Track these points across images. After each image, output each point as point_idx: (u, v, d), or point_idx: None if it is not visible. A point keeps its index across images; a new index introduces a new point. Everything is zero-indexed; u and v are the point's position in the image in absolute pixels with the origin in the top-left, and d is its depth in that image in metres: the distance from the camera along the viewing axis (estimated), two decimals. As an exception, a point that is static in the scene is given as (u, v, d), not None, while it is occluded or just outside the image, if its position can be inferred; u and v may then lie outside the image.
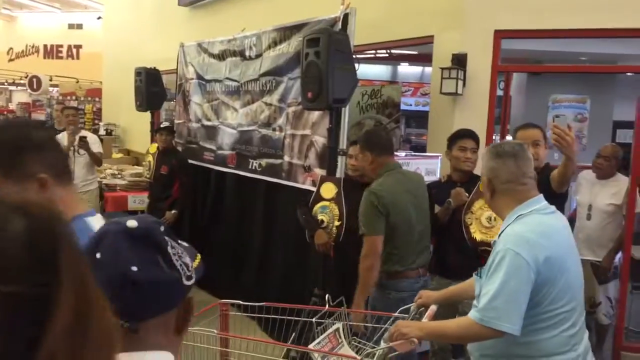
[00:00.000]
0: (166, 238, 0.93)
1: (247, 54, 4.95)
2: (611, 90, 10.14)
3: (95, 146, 5.74)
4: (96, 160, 5.79)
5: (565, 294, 1.91)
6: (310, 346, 2.18)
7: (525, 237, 1.90)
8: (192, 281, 0.94)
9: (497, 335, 1.86)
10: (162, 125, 5.66)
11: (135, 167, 7.86)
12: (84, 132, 5.91)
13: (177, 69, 6.27)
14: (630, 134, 9.74)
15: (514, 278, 1.84)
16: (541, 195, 2.07)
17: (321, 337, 2.32)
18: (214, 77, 5.44)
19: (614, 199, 4.27)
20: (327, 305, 2.28)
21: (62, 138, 5.65)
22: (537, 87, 10.00)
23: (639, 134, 4.16)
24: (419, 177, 3.37)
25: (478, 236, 3.08)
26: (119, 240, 0.88)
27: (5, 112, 11.52)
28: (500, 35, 4.23)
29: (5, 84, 14.67)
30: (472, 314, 1.89)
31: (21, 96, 13.31)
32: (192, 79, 5.85)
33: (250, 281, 4.77)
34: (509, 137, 6.96)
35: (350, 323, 2.38)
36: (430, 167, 4.26)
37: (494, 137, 4.58)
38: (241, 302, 2.43)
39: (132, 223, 0.90)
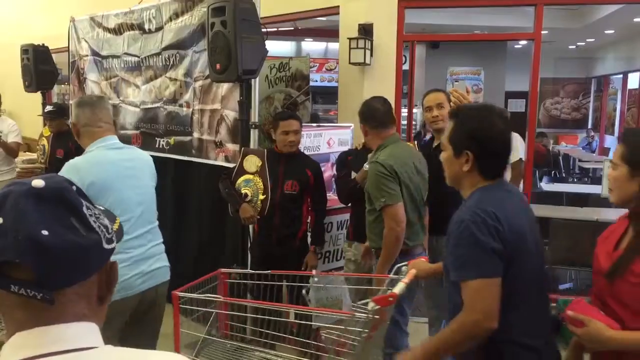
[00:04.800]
0: (80, 198, 0.83)
1: (146, 27, 4.69)
2: (502, 62, 10.75)
3: (12, 135, 5.28)
4: (8, 151, 5.33)
5: (116, 209, 2.35)
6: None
7: (77, 165, 2.45)
8: (113, 245, 0.86)
9: None
10: (46, 110, 5.25)
11: (27, 153, 7.28)
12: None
13: (68, 45, 5.83)
14: (521, 103, 10.40)
15: None
16: (113, 136, 2.58)
17: None
18: (111, 52, 5.11)
19: None
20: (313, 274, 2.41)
21: None
22: (435, 60, 10.38)
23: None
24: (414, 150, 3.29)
25: None
26: (23, 202, 0.77)
27: None
28: (403, 4, 4.31)
29: None
30: None
31: None
32: (87, 55, 5.47)
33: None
34: (416, 110, 7.16)
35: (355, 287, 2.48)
36: (343, 137, 4.29)
37: (402, 107, 4.69)
38: (240, 270, 2.59)
39: (38, 182, 0.80)
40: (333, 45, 10.16)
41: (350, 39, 4.19)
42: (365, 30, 4.24)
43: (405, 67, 4.70)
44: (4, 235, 0.75)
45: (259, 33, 3.50)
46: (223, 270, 2.52)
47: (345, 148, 4.21)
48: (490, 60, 10.61)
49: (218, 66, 3.44)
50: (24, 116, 8.70)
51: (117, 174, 2.49)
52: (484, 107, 1.90)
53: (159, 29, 4.54)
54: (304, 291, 2.25)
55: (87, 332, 0.82)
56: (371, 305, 1.82)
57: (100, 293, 0.86)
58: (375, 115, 2.98)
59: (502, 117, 1.80)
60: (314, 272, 2.49)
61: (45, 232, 0.75)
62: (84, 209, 0.82)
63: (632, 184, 1.66)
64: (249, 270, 2.61)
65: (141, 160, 2.70)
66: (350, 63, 4.24)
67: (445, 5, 4.65)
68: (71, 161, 2.51)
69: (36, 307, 0.78)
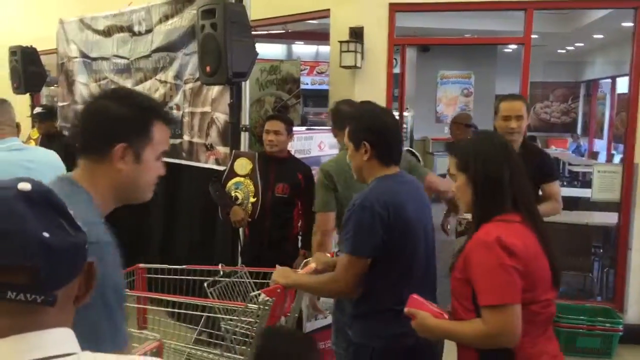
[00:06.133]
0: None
1: (136, 29, 4.66)
2: (493, 66, 10.80)
3: None
4: None
5: None
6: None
7: None
8: (87, 244, 0.84)
9: None
10: (35, 112, 5.21)
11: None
12: None
13: (57, 47, 5.79)
14: (511, 106, 10.41)
15: None
16: (14, 137, 2.64)
17: None
18: (101, 54, 5.08)
19: None
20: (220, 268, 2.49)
21: None
22: (426, 64, 10.43)
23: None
24: None
25: None
26: (18, 206, 0.75)
27: None
28: (394, 8, 4.31)
29: None
30: None
31: None
32: (76, 57, 5.43)
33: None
34: (407, 113, 7.11)
35: (255, 281, 2.55)
36: (333, 140, 4.27)
37: (393, 111, 4.69)
38: (159, 266, 2.60)
39: (25, 185, 0.78)
40: (324, 48, 10.16)
41: (340, 42, 4.19)
42: (356, 34, 4.24)
43: (397, 70, 4.71)
44: (4, 241, 0.73)
45: (249, 36, 3.49)
46: (141, 265, 2.58)
47: (336, 151, 4.20)
48: (480, 63, 10.67)
49: (208, 69, 3.42)
50: (12, 118, 8.59)
51: (14, 173, 2.44)
52: (369, 106, 2.28)
53: (149, 31, 4.52)
54: (205, 284, 2.34)
55: (65, 337, 0.81)
56: (261, 297, 1.99)
57: (79, 293, 0.84)
58: (338, 118, 3.07)
59: (388, 112, 2.15)
60: (220, 266, 2.53)
61: (46, 234, 0.75)
62: (69, 209, 0.82)
63: (469, 189, 1.78)
64: (166, 265, 2.64)
65: (42, 160, 2.70)
66: (341, 66, 4.24)
67: (436, 9, 4.66)
68: None
69: (18, 313, 0.76)
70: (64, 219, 0.80)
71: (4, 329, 0.76)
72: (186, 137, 4.27)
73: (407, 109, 8.96)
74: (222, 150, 3.94)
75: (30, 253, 0.74)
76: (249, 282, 2.48)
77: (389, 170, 2.04)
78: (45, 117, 5.04)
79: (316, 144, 4.24)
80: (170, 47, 4.32)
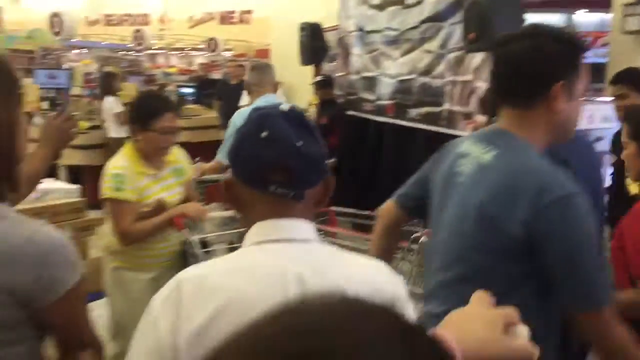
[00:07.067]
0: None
1: (407, 1, 4.89)
2: None
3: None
4: None
5: None
6: None
7: (244, 112, 3.15)
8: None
9: None
10: (315, 80, 5.88)
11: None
12: None
13: (337, 24, 6.40)
14: None
15: None
16: (273, 94, 3.39)
17: None
18: (374, 27, 5.47)
19: None
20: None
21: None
22: None
23: None
24: None
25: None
26: (280, 121, 0.98)
27: (187, 72, 12.81)
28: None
29: (187, 48, 16.11)
30: None
31: (199, 59, 14.48)
32: (353, 31, 5.94)
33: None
34: None
35: None
36: (606, 113, 3.90)
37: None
38: (348, 210, 3.00)
39: (285, 106, 1.01)
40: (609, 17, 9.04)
41: (625, 4, 3.75)
42: (647, -6, 3.74)
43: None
44: (271, 146, 0.96)
45: (516, 3, 3.40)
46: (333, 208, 2.89)
47: (608, 125, 3.83)
48: None
49: (472, 36, 3.45)
50: (298, 88, 9.84)
51: None
52: None
53: (419, 2, 4.70)
54: None
55: (308, 227, 1.02)
56: (423, 238, 2.19)
57: (319, 198, 1.04)
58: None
59: None
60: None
61: (300, 143, 0.96)
62: (313, 128, 1.02)
63: None
64: (353, 210, 3.02)
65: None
66: (624, 32, 3.80)
67: None
68: (241, 110, 3.43)
69: (276, 203, 0.99)
70: (311, 135, 1.00)
71: (266, 213, 1.00)
72: (446, 106, 4.37)
73: None
74: (481, 119, 3.93)
75: (288, 156, 0.95)
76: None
77: None
78: (323, 85, 5.67)
79: (586, 117, 3.93)
80: (438, 17, 4.44)
